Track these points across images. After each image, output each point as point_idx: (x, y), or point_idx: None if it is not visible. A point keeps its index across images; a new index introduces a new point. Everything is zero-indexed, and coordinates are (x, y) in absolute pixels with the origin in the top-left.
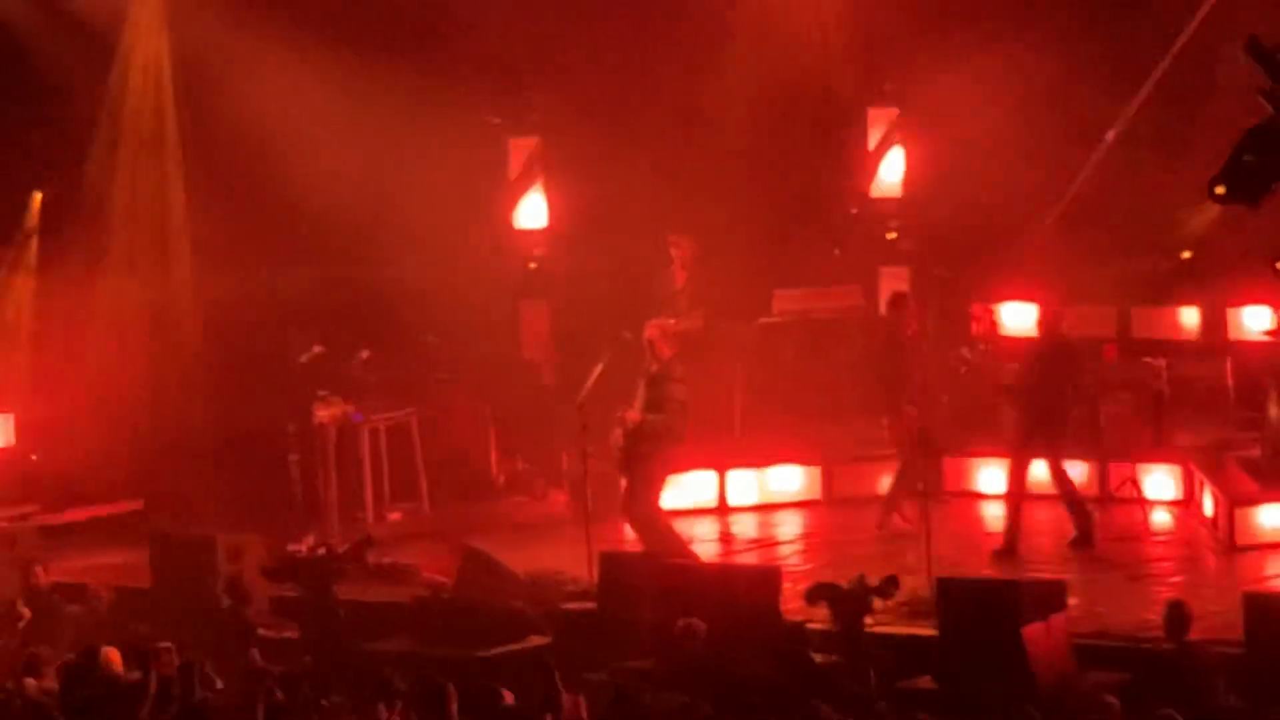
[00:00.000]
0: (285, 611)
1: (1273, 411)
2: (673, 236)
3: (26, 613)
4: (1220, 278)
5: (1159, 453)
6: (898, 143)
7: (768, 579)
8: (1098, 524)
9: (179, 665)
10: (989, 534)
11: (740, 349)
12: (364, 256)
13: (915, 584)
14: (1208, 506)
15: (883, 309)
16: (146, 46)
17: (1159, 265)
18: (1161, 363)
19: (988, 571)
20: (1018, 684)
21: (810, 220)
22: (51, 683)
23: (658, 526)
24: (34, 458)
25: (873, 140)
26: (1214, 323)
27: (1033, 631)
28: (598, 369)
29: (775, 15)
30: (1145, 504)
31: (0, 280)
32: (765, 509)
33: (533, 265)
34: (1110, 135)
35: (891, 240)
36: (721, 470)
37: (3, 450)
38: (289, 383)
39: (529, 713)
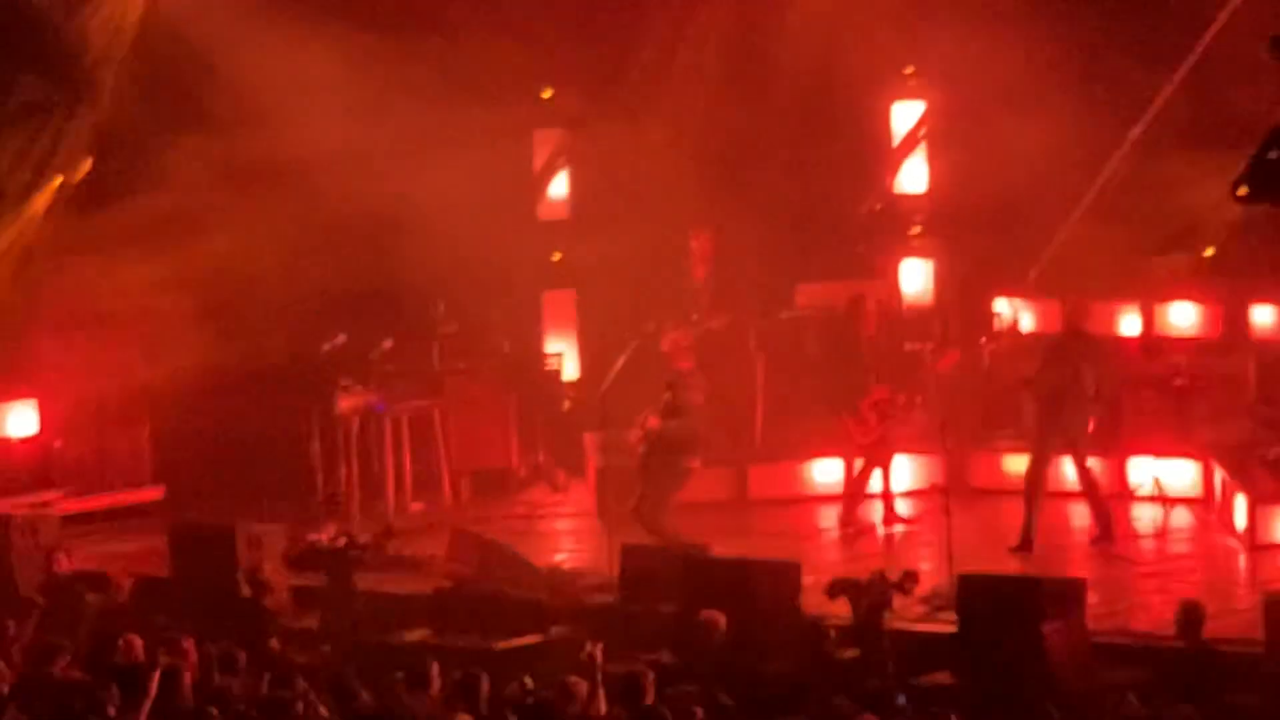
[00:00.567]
0: (305, 601)
1: None
2: (692, 231)
3: (39, 600)
4: (1243, 275)
5: (1180, 450)
6: (922, 138)
7: (788, 573)
8: (1118, 521)
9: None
10: (1009, 530)
11: (762, 343)
12: (387, 246)
13: (935, 580)
14: (1229, 505)
15: (841, 309)
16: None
17: (1182, 262)
18: (1183, 360)
19: (1008, 568)
20: (1036, 681)
21: (834, 215)
22: (72, 670)
23: (666, 533)
24: (57, 445)
25: (897, 135)
26: (1236, 320)
27: (1052, 629)
28: (620, 360)
29: (801, 8)
30: (1166, 501)
31: (22, 267)
32: (786, 502)
33: (556, 257)
34: (1135, 132)
35: (915, 235)
36: (742, 465)
37: (26, 438)
38: (312, 372)
39: (549, 704)
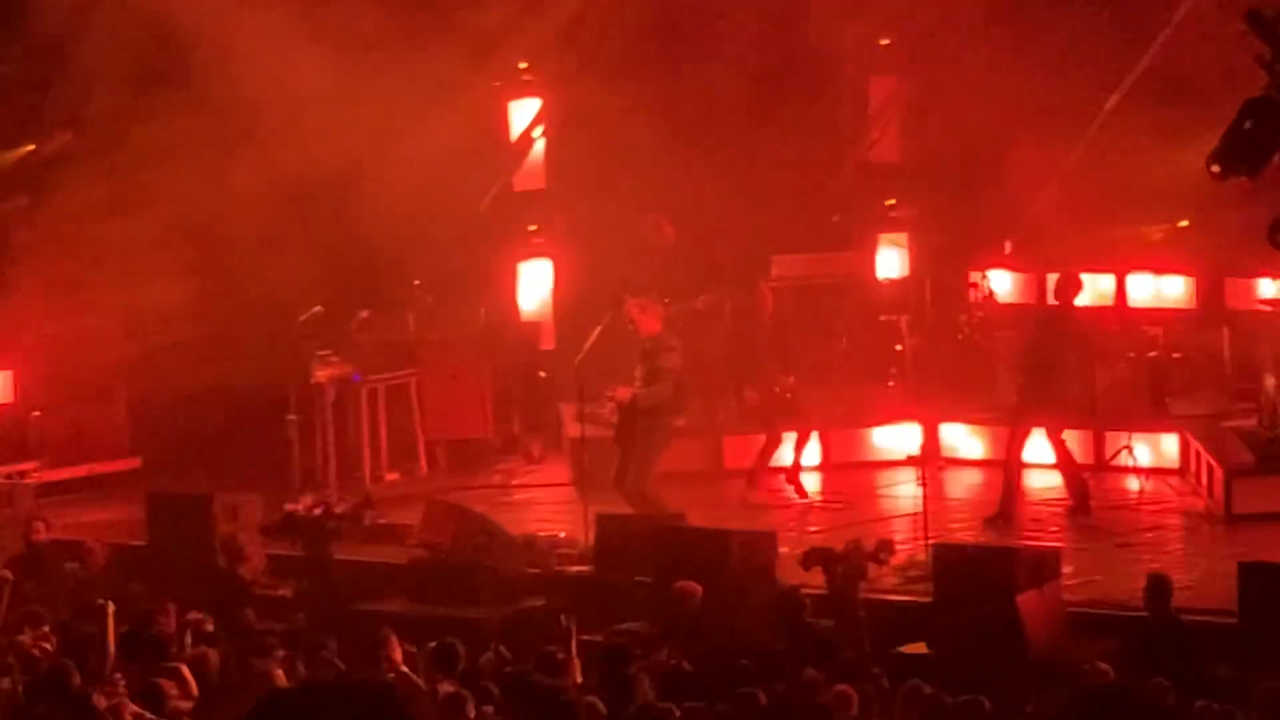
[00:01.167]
0: (281, 570)
1: (1269, 381)
2: (652, 219)
3: (8, 575)
4: (1218, 247)
5: (1156, 422)
6: (897, 111)
7: (763, 543)
8: (1093, 492)
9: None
10: (985, 501)
11: (738, 314)
12: (363, 216)
13: (911, 549)
14: (1204, 476)
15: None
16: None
17: (1157, 234)
18: (1159, 332)
19: (983, 538)
20: (1011, 650)
21: (809, 187)
22: (48, 639)
23: (649, 499)
24: (35, 414)
25: (872, 108)
26: (1212, 292)
27: (1027, 598)
28: (596, 331)
29: None
30: (1141, 473)
31: (0, 237)
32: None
33: (532, 227)
34: (1110, 103)
35: (890, 207)
36: (717, 435)
37: (2, 407)
38: (288, 342)
39: (526, 673)
